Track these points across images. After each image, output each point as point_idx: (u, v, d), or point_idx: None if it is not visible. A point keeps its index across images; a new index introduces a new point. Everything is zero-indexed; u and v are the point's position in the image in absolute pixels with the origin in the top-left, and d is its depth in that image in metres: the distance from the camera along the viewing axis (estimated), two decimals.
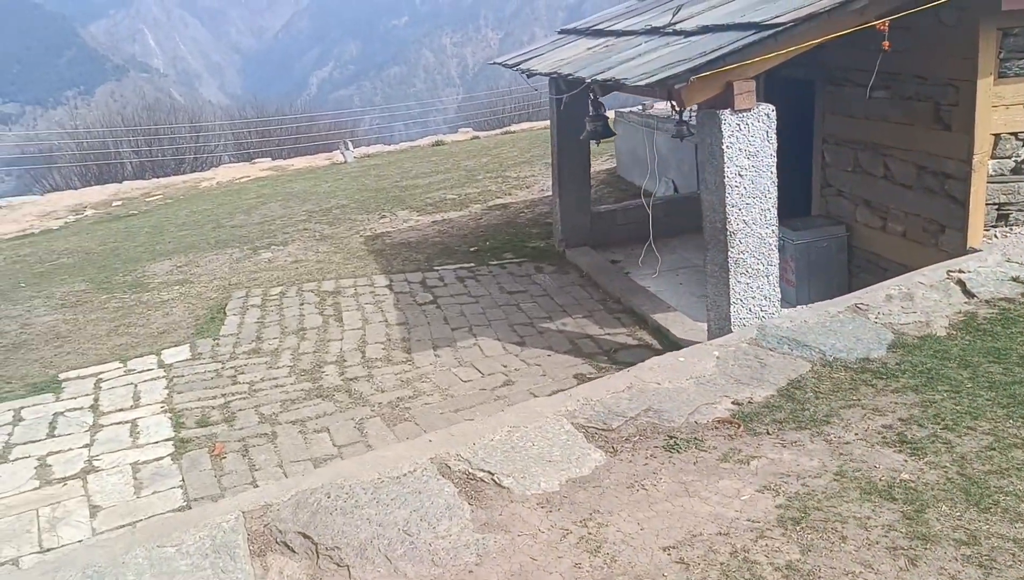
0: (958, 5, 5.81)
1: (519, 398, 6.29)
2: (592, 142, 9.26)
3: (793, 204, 7.56)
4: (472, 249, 10.44)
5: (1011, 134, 6.19)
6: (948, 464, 3.62)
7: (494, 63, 9.96)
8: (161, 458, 5.80)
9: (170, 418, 6.40)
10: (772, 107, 5.88)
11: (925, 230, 6.72)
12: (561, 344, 7.25)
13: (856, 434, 4.00)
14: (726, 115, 5.77)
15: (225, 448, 5.87)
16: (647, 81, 5.59)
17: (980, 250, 6.18)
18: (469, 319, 7.97)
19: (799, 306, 6.48)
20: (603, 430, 4.28)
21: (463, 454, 4.06)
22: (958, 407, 4.09)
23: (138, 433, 6.20)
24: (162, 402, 6.70)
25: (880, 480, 3.56)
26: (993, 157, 6.21)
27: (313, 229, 12.37)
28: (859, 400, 4.32)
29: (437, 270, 9.60)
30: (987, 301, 5.42)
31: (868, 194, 7.37)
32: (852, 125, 7.46)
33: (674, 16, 7.18)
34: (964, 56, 6.07)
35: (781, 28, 5.54)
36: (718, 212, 6.03)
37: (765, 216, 6.02)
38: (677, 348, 6.98)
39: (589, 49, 7.97)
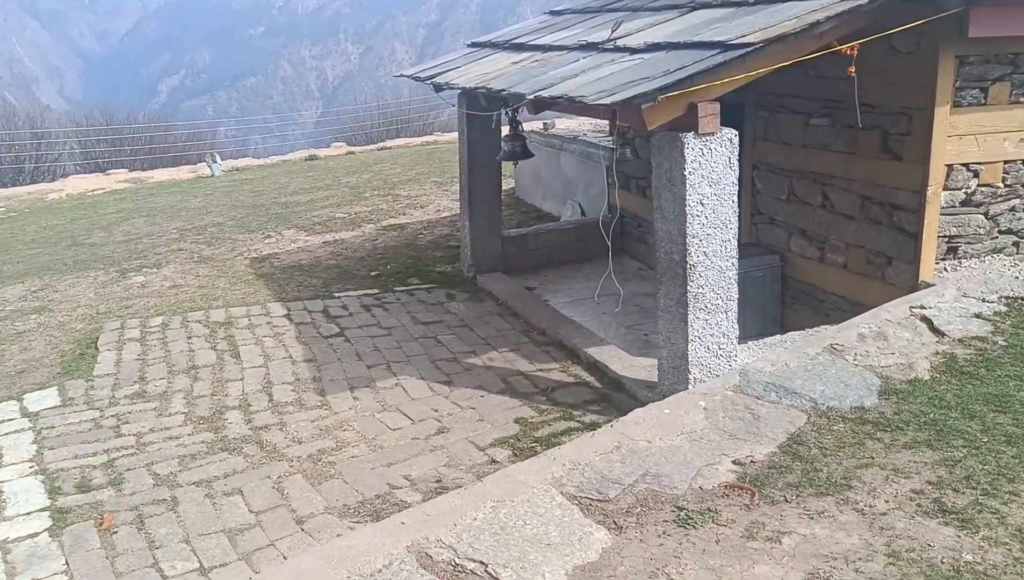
0: (918, 31, 5.60)
1: (458, 448, 5.64)
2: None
3: None
4: (373, 273, 9.68)
5: (963, 165, 6.04)
6: (1008, 540, 3.23)
7: (402, 76, 9.26)
8: (36, 534, 4.81)
9: (43, 481, 5.37)
10: (735, 132, 5.50)
11: (870, 262, 6.50)
12: (493, 383, 6.62)
13: (887, 501, 3.57)
14: (689, 139, 5.34)
15: (115, 520, 4.93)
16: (609, 99, 5.08)
17: (934, 285, 5.99)
18: (385, 355, 7.23)
19: (761, 339, 6.13)
20: (599, 501, 3.71)
21: (445, 539, 3.39)
22: (987, 467, 3.74)
23: (4, 501, 5.16)
24: (30, 460, 5.65)
25: (942, 563, 3.13)
26: (944, 189, 6.04)
27: (189, 249, 11.27)
28: (872, 458, 3.92)
29: (339, 297, 8.79)
30: (960, 340, 5.18)
31: (804, 224, 7.13)
32: (787, 153, 7.22)
33: (613, 32, 6.73)
34: (920, 84, 5.87)
35: (751, 48, 5.15)
36: (676, 243, 5.58)
37: (726, 247, 5.62)
38: (618, 385, 6.51)
39: (515, 63, 7.42)
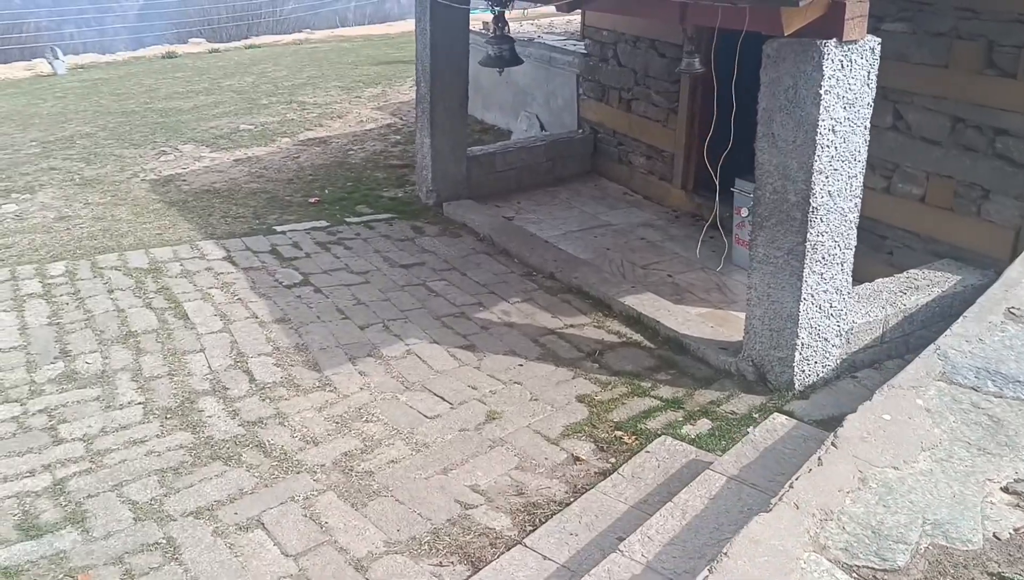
0: None
1: (523, 441, 4.42)
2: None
3: (749, 155, 6.07)
4: (311, 200, 8.10)
5: None
6: None
7: None
8: None
9: None
10: (878, 40, 4.38)
11: (959, 195, 5.62)
12: (525, 347, 5.40)
13: None
14: (830, 48, 4.18)
15: None
16: None
17: None
18: (375, 311, 5.83)
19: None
20: (887, 571, 2.63)
21: None
22: None
23: None
24: None
25: None
26: None
27: (64, 168, 9.21)
28: None
29: (283, 232, 7.22)
30: None
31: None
32: None
33: None
34: None
35: None
36: (794, 180, 4.47)
37: (851, 185, 4.56)
38: (679, 346, 5.40)
39: None
